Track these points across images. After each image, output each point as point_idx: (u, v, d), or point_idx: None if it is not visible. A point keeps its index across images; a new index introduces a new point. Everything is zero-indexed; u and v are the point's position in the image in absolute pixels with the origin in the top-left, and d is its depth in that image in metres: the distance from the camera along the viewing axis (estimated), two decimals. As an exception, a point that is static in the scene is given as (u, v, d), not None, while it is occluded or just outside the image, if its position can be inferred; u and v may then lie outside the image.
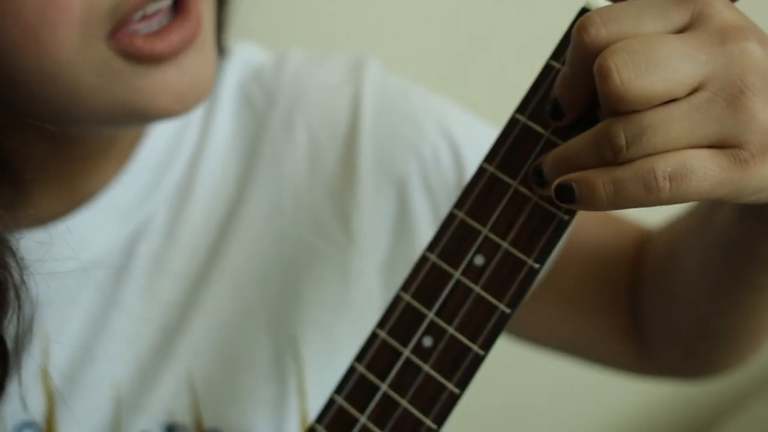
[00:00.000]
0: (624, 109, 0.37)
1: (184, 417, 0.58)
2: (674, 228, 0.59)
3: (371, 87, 0.62)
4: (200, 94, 0.50)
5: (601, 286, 0.64)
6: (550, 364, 0.94)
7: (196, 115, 0.61)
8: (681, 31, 0.38)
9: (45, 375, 0.57)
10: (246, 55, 0.65)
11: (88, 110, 0.49)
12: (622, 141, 0.37)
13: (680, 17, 0.38)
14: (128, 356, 0.58)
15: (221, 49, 0.62)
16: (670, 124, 0.37)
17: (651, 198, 0.37)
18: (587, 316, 0.64)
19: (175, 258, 0.59)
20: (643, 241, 0.63)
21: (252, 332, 0.59)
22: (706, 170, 0.37)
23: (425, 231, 0.61)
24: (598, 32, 0.38)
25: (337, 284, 0.60)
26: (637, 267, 0.62)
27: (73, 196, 0.57)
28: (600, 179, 0.38)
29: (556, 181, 0.39)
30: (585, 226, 0.63)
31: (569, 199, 0.39)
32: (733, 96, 0.37)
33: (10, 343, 0.49)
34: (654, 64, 0.36)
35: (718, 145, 0.37)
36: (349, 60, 0.64)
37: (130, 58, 0.48)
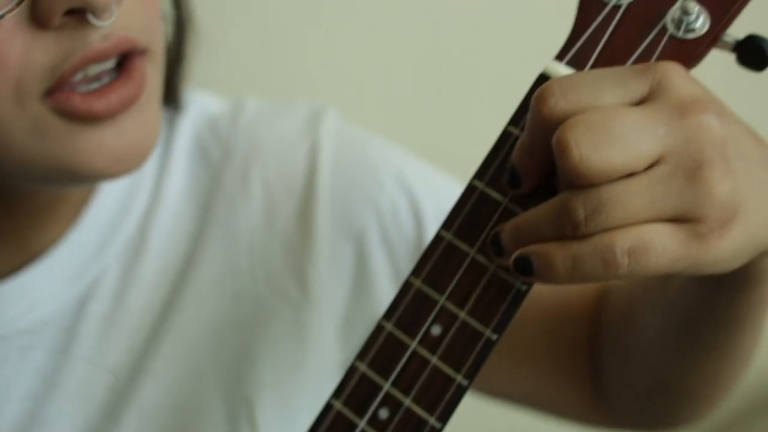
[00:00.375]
0: (582, 183, 0.36)
1: (132, 481, 0.56)
2: (632, 286, 0.58)
3: (329, 139, 0.61)
4: (140, 156, 0.49)
5: (561, 341, 0.63)
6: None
7: (150, 169, 0.60)
8: (640, 102, 0.38)
9: None
10: (201, 104, 0.64)
11: (22, 168, 0.47)
12: (581, 215, 0.37)
13: (639, 88, 0.38)
14: (79, 418, 0.56)
15: (178, 104, 0.61)
16: (629, 199, 0.36)
17: (609, 273, 0.37)
18: (547, 371, 0.64)
19: (126, 319, 0.57)
20: (603, 295, 0.62)
21: (205, 394, 0.57)
22: (665, 246, 0.36)
23: (384, 286, 0.60)
24: (557, 104, 0.37)
25: (293, 343, 0.58)
26: (597, 322, 0.62)
27: (21, 253, 0.56)
28: (559, 254, 0.37)
29: (515, 254, 0.39)
30: None
31: (527, 271, 0.38)
32: (691, 170, 0.37)
33: None
34: (613, 138, 0.36)
35: (677, 219, 0.37)
36: (306, 111, 0.63)
37: (66, 117, 0.46)
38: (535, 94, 0.38)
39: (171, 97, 0.61)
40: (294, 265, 0.59)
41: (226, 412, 0.58)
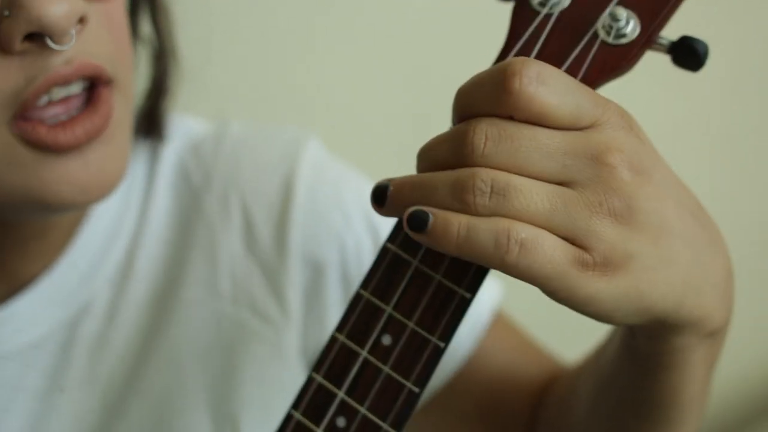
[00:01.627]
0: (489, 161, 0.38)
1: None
2: (578, 368, 0.59)
3: (306, 170, 0.63)
4: (106, 186, 0.50)
5: (498, 412, 0.64)
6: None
7: (136, 196, 0.62)
8: (583, 127, 0.39)
9: None
10: (186, 127, 0.66)
11: None
12: (487, 189, 0.37)
13: (588, 117, 0.39)
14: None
15: (162, 134, 0.63)
16: (533, 195, 0.38)
17: (497, 256, 0.37)
18: None
19: (116, 340, 0.59)
20: (555, 377, 0.63)
21: (192, 412, 0.59)
22: (553, 254, 0.37)
23: (335, 318, 0.61)
24: (529, 83, 0.38)
25: (274, 362, 0.60)
26: (541, 401, 0.62)
27: (13, 280, 0.58)
28: (457, 220, 0.38)
29: (412, 208, 0.39)
30: (499, 347, 0.63)
31: (420, 228, 0.39)
32: (592, 205, 0.38)
33: None
34: (519, 149, 0.38)
35: (570, 241, 0.38)
36: (287, 138, 0.65)
37: (32, 146, 0.47)
38: (507, 67, 0.38)
39: (154, 127, 0.63)
40: (273, 288, 0.60)
41: (212, 430, 0.59)
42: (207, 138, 0.65)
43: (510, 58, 0.40)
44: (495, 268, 0.38)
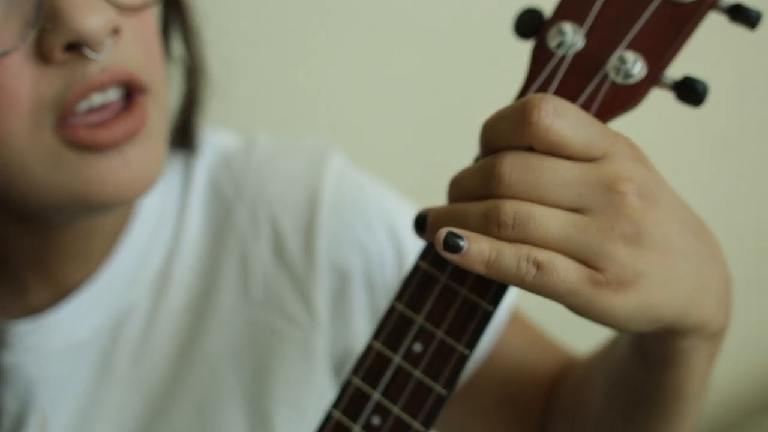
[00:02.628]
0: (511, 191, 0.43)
1: (168, 488, 0.63)
2: (590, 361, 0.63)
3: (330, 182, 0.67)
4: (144, 184, 0.54)
5: (515, 401, 0.68)
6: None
7: (171, 206, 0.66)
8: (594, 158, 0.44)
9: None
10: (217, 142, 0.70)
11: (38, 198, 0.53)
12: (510, 219, 0.42)
13: (598, 149, 0.44)
14: (118, 429, 0.63)
15: (194, 146, 0.67)
16: (550, 224, 0.42)
17: (518, 277, 0.42)
18: (500, 426, 0.69)
19: (157, 342, 0.64)
20: (568, 367, 0.67)
21: (228, 409, 0.64)
22: (567, 274, 0.42)
23: (361, 324, 0.66)
24: (546, 115, 0.43)
25: (302, 363, 0.65)
26: (555, 389, 0.67)
27: (60, 286, 0.63)
28: (488, 244, 0.43)
29: (447, 229, 0.44)
30: (515, 343, 0.67)
31: (454, 249, 0.43)
32: (605, 230, 0.43)
33: (10, 421, 0.53)
34: (551, 171, 0.42)
35: (584, 262, 0.43)
36: (311, 152, 0.69)
37: (75, 147, 0.51)
38: (527, 102, 0.43)
39: (187, 139, 0.67)
40: (302, 294, 0.65)
41: (247, 425, 0.64)
42: (237, 152, 0.69)
43: (530, 95, 0.45)
44: (517, 286, 0.43)
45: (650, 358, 0.51)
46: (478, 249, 0.43)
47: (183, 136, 0.67)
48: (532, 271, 0.42)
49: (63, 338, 0.62)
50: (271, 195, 0.67)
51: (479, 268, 0.43)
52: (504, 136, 0.44)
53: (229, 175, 0.68)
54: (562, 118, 0.43)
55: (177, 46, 0.66)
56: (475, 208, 0.44)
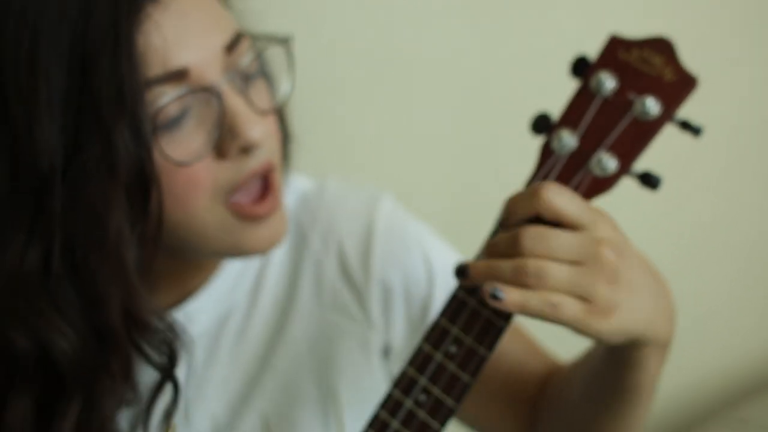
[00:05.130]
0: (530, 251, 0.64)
1: (259, 443, 0.86)
2: (572, 366, 0.85)
3: (381, 218, 0.88)
4: (280, 240, 0.77)
5: (516, 393, 0.89)
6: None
7: None
8: (584, 226, 0.65)
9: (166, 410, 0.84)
10: (297, 184, 0.91)
11: (206, 249, 0.75)
12: (533, 272, 0.63)
13: (589, 221, 0.64)
14: (223, 400, 0.85)
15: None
16: (558, 275, 0.63)
17: (540, 314, 0.63)
18: (499, 416, 0.90)
19: (251, 333, 0.86)
20: (554, 371, 0.88)
21: (305, 386, 0.86)
22: (572, 309, 0.63)
23: (400, 325, 0.87)
24: (552, 200, 0.64)
25: (361, 353, 0.87)
26: (543, 388, 0.88)
27: (184, 290, 0.85)
28: (519, 294, 0.64)
29: (493, 288, 0.64)
30: (511, 346, 0.87)
31: (498, 298, 0.64)
32: (594, 275, 0.63)
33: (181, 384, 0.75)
34: (550, 246, 0.64)
35: (582, 298, 0.64)
36: (368, 195, 0.90)
37: (239, 218, 0.73)
38: (538, 185, 0.65)
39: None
40: (359, 301, 0.87)
41: (319, 398, 0.86)
42: (311, 193, 0.91)
43: (538, 182, 0.67)
44: (543, 320, 0.64)
45: (619, 362, 0.72)
46: (512, 298, 0.63)
47: None
48: (549, 310, 0.63)
49: (188, 327, 0.84)
50: (338, 226, 0.88)
51: (514, 311, 0.64)
52: (522, 207, 0.66)
53: (306, 211, 0.90)
54: (561, 196, 0.65)
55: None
56: (507, 264, 0.64)
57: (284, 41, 0.77)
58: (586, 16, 1.31)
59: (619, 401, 0.76)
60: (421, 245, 0.89)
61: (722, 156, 1.51)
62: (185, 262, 0.83)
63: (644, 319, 0.67)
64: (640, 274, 0.67)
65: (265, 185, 0.75)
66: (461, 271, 0.68)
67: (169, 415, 0.76)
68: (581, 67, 0.70)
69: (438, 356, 0.70)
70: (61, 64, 0.66)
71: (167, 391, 0.77)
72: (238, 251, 0.76)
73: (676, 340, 0.73)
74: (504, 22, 1.26)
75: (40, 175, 0.67)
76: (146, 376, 0.75)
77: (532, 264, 0.63)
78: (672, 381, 1.06)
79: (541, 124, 0.71)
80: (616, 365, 0.73)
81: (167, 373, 0.75)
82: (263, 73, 0.77)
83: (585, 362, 0.81)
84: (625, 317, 0.65)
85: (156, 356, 0.75)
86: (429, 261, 0.88)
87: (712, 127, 1.46)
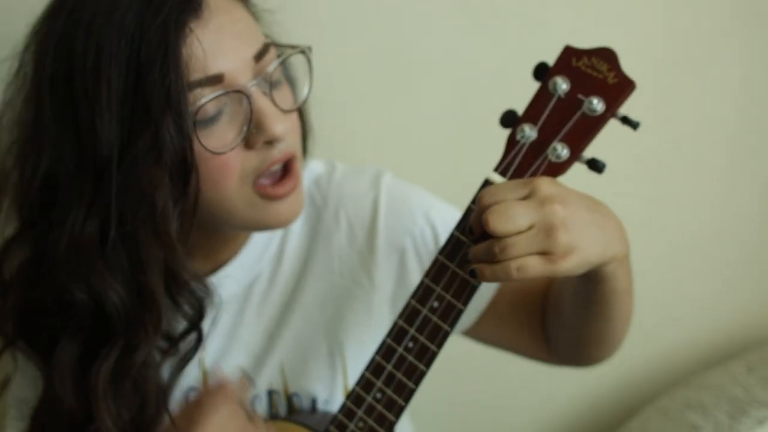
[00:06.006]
0: (497, 236, 0.79)
1: (278, 386, 1.02)
2: (559, 284, 1.00)
3: (385, 192, 1.03)
4: (296, 216, 0.92)
5: (526, 310, 1.05)
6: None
7: None
8: (526, 197, 0.79)
9: (201, 361, 1.01)
10: (311, 167, 1.07)
11: (234, 223, 0.91)
12: (497, 251, 0.78)
13: (525, 191, 0.78)
14: (248, 352, 1.02)
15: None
16: (518, 244, 0.77)
17: (510, 278, 0.77)
18: (517, 330, 1.06)
19: (273, 296, 1.02)
20: (549, 287, 1.04)
21: (317, 338, 1.02)
22: (535, 265, 0.77)
23: (416, 280, 1.02)
24: (488, 200, 0.79)
25: (364, 312, 1.02)
26: (545, 301, 1.04)
27: (217, 260, 1.01)
28: (488, 269, 0.78)
29: (470, 267, 0.79)
30: None
31: (474, 276, 0.80)
32: (548, 230, 0.77)
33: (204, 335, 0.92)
34: (508, 217, 0.78)
35: (542, 253, 0.77)
36: (372, 173, 1.05)
37: (263, 198, 0.88)
38: (481, 193, 0.80)
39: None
40: (365, 267, 1.02)
41: (328, 349, 1.02)
42: (323, 174, 1.07)
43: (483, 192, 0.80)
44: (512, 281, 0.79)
45: (592, 280, 0.85)
46: (485, 274, 0.77)
47: None
48: (515, 273, 0.76)
49: (221, 291, 1.00)
50: (346, 202, 1.04)
51: (488, 281, 0.79)
52: (487, 197, 0.80)
53: (319, 190, 1.05)
54: (497, 188, 0.79)
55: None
56: (481, 247, 0.78)
57: (304, 51, 0.92)
58: (577, 24, 1.44)
59: (600, 306, 0.90)
60: (422, 208, 1.03)
61: (722, 153, 1.61)
62: (218, 236, 0.99)
63: (599, 246, 0.78)
64: (585, 213, 0.78)
65: (286, 170, 0.90)
66: (472, 273, 0.81)
67: (187, 357, 0.92)
68: (541, 72, 0.85)
69: (423, 310, 0.86)
70: (119, 71, 0.82)
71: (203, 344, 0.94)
72: (262, 225, 0.91)
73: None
74: (500, 29, 1.41)
75: (100, 161, 0.83)
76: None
77: (497, 244, 0.77)
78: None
79: (508, 119, 0.86)
80: (591, 282, 0.86)
81: (194, 324, 0.91)
82: (287, 77, 0.93)
83: (567, 283, 0.95)
84: (584, 252, 0.77)
85: (188, 309, 0.91)
86: (431, 220, 1.03)
87: (712, 127, 1.59)
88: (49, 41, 0.85)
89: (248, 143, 0.87)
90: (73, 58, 0.83)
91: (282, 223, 0.92)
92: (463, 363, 1.45)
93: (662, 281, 1.63)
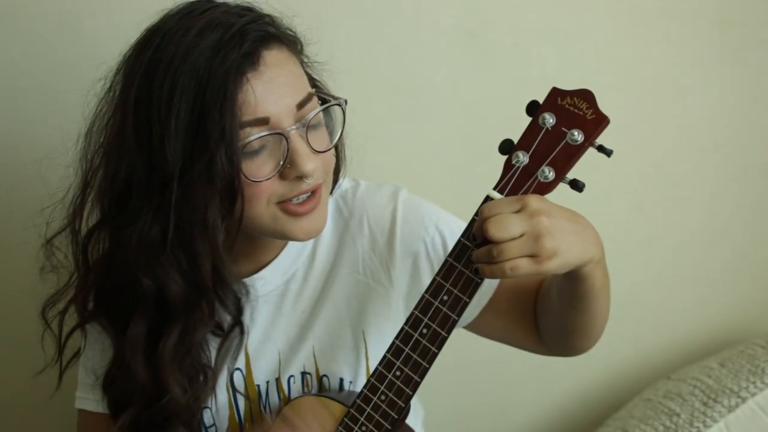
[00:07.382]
0: (495, 242, 0.97)
1: (310, 368, 1.20)
2: (547, 283, 1.17)
3: (402, 204, 1.20)
4: (318, 230, 1.08)
5: (521, 305, 1.23)
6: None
7: None
8: (519, 211, 0.97)
9: (246, 346, 1.19)
10: (338, 183, 1.25)
11: (265, 233, 1.07)
12: (495, 254, 0.96)
13: (517, 206, 0.96)
14: (285, 339, 1.20)
15: (333, 192, 1.21)
16: (512, 249, 0.95)
17: (505, 275, 0.95)
18: (513, 323, 1.24)
19: (307, 292, 1.20)
20: (540, 283, 1.21)
21: (343, 328, 1.20)
22: (525, 265, 0.94)
23: (427, 281, 1.21)
24: (487, 213, 0.98)
25: (384, 307, 1.20)
26: (536, 297, 1.22)
27: (259, 262, 1.19)
28: (488, 268, 0.96)
29: (473, 266, 0.98)
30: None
31: (477, 274, 0.99)
32: (536, 237, 0.95)
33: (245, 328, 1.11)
34: (503, 227, 0.96)
35: (531, 256, 0.95)
36: (390, 190, 1.22)
37: (287, 214, 1.05)
38: (482, 207, 0.99)
39: (333, 188, 1.22)
40: (385, 267, 1.20)
41: (353, 337, 1.20)
42: (349, 189, 1.24)
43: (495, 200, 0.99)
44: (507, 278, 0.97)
45: (573, 279, 1.02)
46: (485, 272, 0.95)
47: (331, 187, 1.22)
48: (508, 272, 0.94)
49: (262, 289, 1.18)
50: (369, 213, 1.21)
51: (488, 278, 0.97)
52: (487, 210, 0.98)
53: (345, 204, 1.23)
54: (495, 204, 0.97)
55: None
56: (482, 250, 0.96)
57: (340, 103, 1.09)
58: (564, 59, 1.62)
59: (581, 302, 1.05)
60: (433, 219, 1.20)
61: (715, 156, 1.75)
62: (260, 242, 1.17)
63: (578, 250, 0.94)
64: (567, 223, 0.94)
65: (312, 194, 1.07)
66: (476, 272, 1.00)
67: (234, 344, 1.11)
68: (532, 109, 1.04)
69: (435, 303, 1.04)
70: (187, 106, 0.99)
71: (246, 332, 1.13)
72: (287, 236, 1.08)
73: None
74: (495, 59, 1.59)
75: (165, 176, 0.99)
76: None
77: (494, 248, 0.95)
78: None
79: (505, 147, 1.04)
80: (573, 280, 1.01)
81: (236, 319, 1.09)
82: (326, 121, 1.10)
83: (552, 282, 1.12)
84: (565, 255, 0.93)
85: (231, 305, 1.09)
86: (441, 229, 1.19)
87: (713, 127, 1.74)
88: (136, 71, 1.02)
89: (282, 175, 1.04)
90: (153, 88, 1.00)
91: (304, 237, 1.08)
92: (463, 363, 1.64)
93: (649, 287, 1.82)
